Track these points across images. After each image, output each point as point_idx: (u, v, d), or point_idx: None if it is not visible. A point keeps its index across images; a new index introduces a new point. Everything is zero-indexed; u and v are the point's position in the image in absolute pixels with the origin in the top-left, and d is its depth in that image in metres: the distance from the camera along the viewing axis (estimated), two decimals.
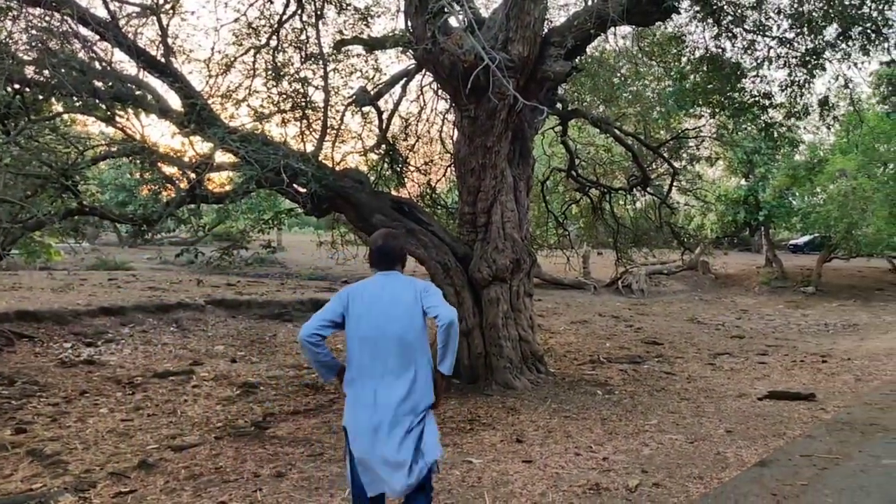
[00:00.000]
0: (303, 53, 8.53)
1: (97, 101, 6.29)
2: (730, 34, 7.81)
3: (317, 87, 8.27)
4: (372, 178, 9.06)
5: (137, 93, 6.81)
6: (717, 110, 9.25)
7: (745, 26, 7.75)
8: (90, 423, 5.83)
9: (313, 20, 8.26)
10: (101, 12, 6.62)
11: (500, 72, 5.30)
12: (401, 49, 9.13)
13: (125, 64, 7.07)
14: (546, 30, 7.35)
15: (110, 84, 6.44)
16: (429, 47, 6.66)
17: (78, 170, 6.93)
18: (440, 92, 9.97)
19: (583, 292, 21.08)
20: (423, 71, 9.19)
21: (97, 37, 6.52)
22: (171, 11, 7.49)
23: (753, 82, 8.37)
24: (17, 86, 6.26)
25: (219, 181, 8.80)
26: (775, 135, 9.12)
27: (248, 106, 8.25)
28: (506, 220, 7.47)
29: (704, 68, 8.32)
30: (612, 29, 7.82)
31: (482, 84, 5.78)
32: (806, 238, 31.71)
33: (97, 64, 6.49)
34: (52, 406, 6.36)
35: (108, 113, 6.67)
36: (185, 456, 4.94)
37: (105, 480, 4.38)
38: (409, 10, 7.20)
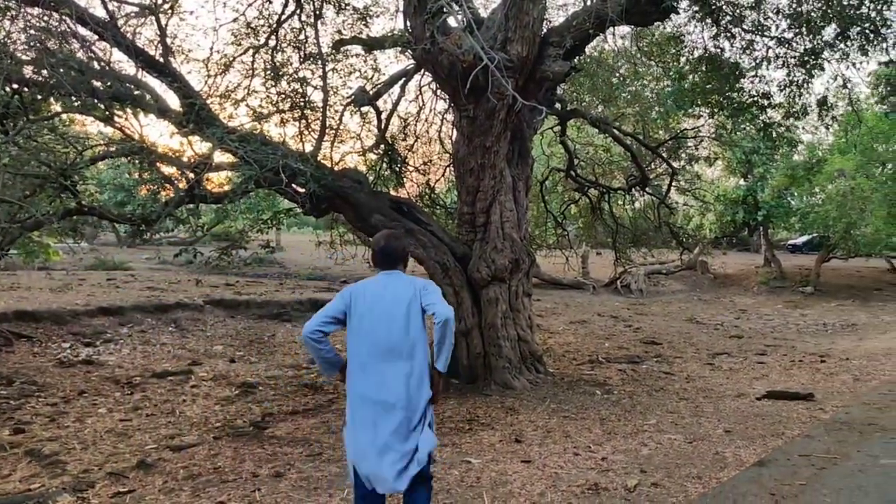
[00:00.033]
0: (301, 53, 8.53)
1: (96, 100, 6.28)
2: (728, 34, 7.82)
3: (315, 87, 8.28)
4: (371, 178, 9.06)
5: (136, 92, 6.81)
6: (715, 110, 9.26)
7: (744, 26, 7.76)
8: (88, 423, 5.83)
9: (312, 20, 8.25)
10: (100, 12, 6.62)
11: (499, 72, 5.29)
12: (400, 49, 9.12)
13: (124, 64, 7.07)
14: (545, 30, 7.35)
15: (109, 84, 6.43)
16: (428, 47, 6.66)
17: (76, 170, 6.93)
18: (439, 92, 9.97)
19: (582, 292, 21.09)
20: (422, 71, 9.18)
21: (96, 36, 6.51)
22: (169, 11, 7.48)
23: (752, 82, 8.39)
24: (15, 85, 6.25)
25: (217, 181, 8.80)
26: (774, 135, 9.14)
27: (247, 106, 8.26)
28: (505, 220, 7.47)
29: (703, 68, 8.33)
30: (611, 29, 7.82)
31: (481, 84, 5.78)
32: (804, 238, 31.74)
33: (96, 64, 6.48)
34: (51, 406, 6.36)
35: (107, 113, 6.66)
36: (184, 456, 4.94)
37: (103, 480, 4.37)
38: (407, 10, 7.19)
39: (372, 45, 9.05)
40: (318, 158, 7.63)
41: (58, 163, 6.71)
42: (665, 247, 15.91)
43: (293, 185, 7.05)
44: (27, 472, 4.58)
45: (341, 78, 9.02)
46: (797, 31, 7.53)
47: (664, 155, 12.00)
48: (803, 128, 14.36)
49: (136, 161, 7.06)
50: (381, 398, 2.91)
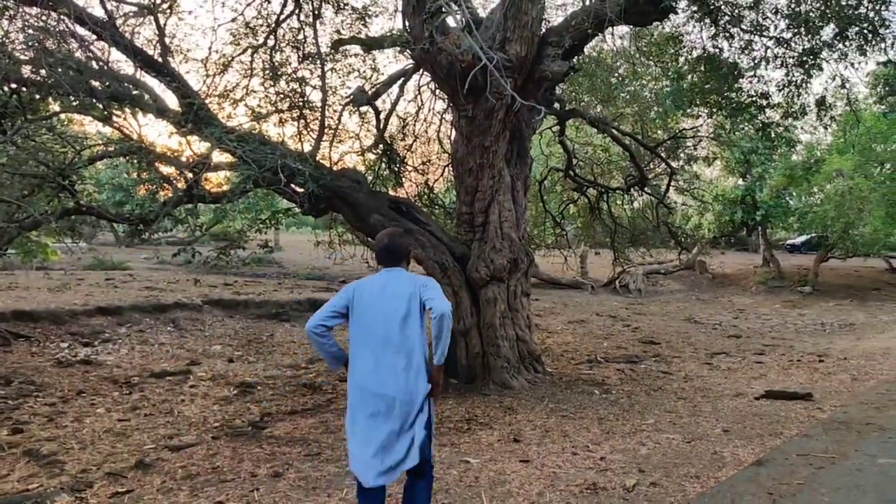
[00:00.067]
0: (300, 53, 8.53)
1: (94, 100, 6.27)
2: (727, 34, 7.83)
3: (314, 87, 8.28)
4: (370, 178, 9.06)
5: (134, 92, 6.80)
6: (714, 110, 9.26)
7: (743, 26, 7.76)
8: (87, 423, 5.82)
9: (311, 20, 8.25)
10: (98, 12, 6.62)
11: (498, 72, 5.30)
12: (398, 49, 9.12)
13: (122, 63, 7.07)
14: (544, 30, 7.36)
15: (107, 83, 6.43)
16: (426, 47, 6.66)
17: (75, 169, 6.92)
18: (438, 92, 9.97)
19: (580, 292, 21.11)
20: (421, 71, 9.18)
21: (94, 36, 6.50)
22: (168, 11, 7.48)
23: (751, 82, 8.39)
24: (13, 85, 6.25)
25: (216, 181, 8.81)
26: (772, 135, 9.15)
27: (246, 105, 8.26)
28: (503, 220, 7.48)
29: (702, 68, 8.33)
30: (610, 29, 7.83)
31: (480, 84, 5.78)
32: (803, 238, 31.80)
33: (94, 63, 6.47)
34: (49, 406, 6.35)
35: (105, 112, 6.65)
36: (182, 456, 4.93)
37: (102, 480, 4.37)
38: (406, 10, 7.19)
39: (371, 44, 9.04)
40: (317, 158, 7.63)
41: (56, 162, 6.70)
42: (663, 246, 15.91)
43: (292, 185, 7.05)
44: (25, 472, 4.57)
45: (340, 78, 9.04)
46: (796, 31, 7.54)
47: (663, 155, 12.01)
48: (802, 128, 14.38)
49: (135, 161, 7.06)
50: (381, 391, 2.99)
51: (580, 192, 12.73)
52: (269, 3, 8.44)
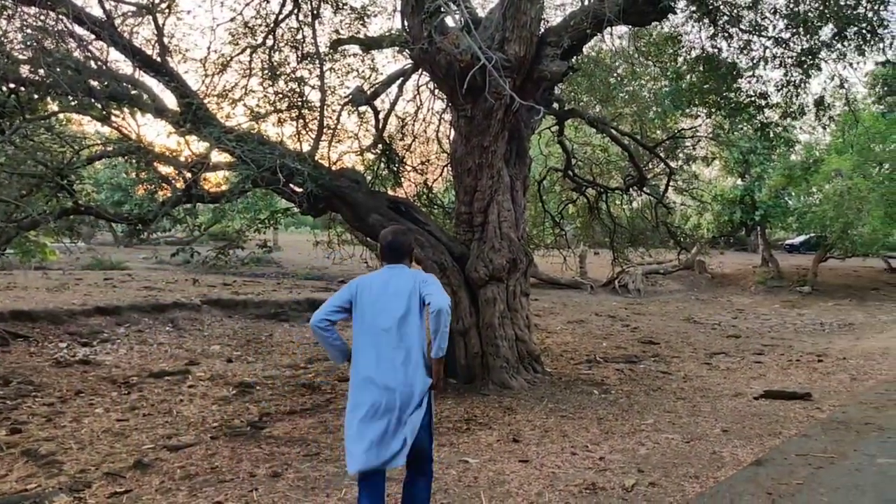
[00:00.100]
0: (299, 53, 8.52)
1: (93, 100, 6.27)
2: (726, 34, 7.83)
3: (313, 87, 8.27)
4: (368, 178, 9.05)
5: (133, 92, 6.80)
6: (713, 110, 9.27)
7: (741, 26, 7.77)
8: (85, 423, 5.82)
9: (310, 19, 8.24)
10: (97, 11, 6.61)
11: (497, 71, 5.30)
12: (397, 49, 9.10)
13: (121, 63, 7.06)
14: (542, 30, 7.36)
15: (106, 83, 6.42)
16: (425, 47, 6.66)
17: (73, 169, 6.91)
18: (437, 92, 9.97)
19: (579, 292, 21.11)
20: (420, 71, 9.18)
21: (93, 36, 6.50)
22: (166, 11, 7.47)
23: (749, 82, 8.40)
24: (12, 85, 6.24)
25: (215, 181, 8.80)
26: (771, 135, 9.15)
27: (245, 105, 8.26)
28: (502, 220, 7.47)
29: (700, 68, 8.34)
30: (609, 29, 7.84)
31: (479, 84, 5.78)
32: (802, 238, 31.83)
33: (93, 63, 6.46)
34: (48, 406, 6.35)
35: (104, 112, 6.64)
36: (181, 456, 4.93)
37: (100, 480, 4.37)
38: (405, 10, 7.19)
39: (370, 44, 9.04)
40: (316, 158, 7.63)
41: (54, 162, 6.69)
42: (663, 246, 15.92)
43: (291, 185, 7.04)
44: (24, 472, 4.57)
45: (339, 77, 9.04)
46: (794, 31, 7.54)
47: (662, 155, 12.02)
48: (800, 128, 14.38)
49: (133, 160, 7.05)
50: (383, 382, 3.05)
51: (579, 192, 12.74)
52: (268, 2, 8.50)
